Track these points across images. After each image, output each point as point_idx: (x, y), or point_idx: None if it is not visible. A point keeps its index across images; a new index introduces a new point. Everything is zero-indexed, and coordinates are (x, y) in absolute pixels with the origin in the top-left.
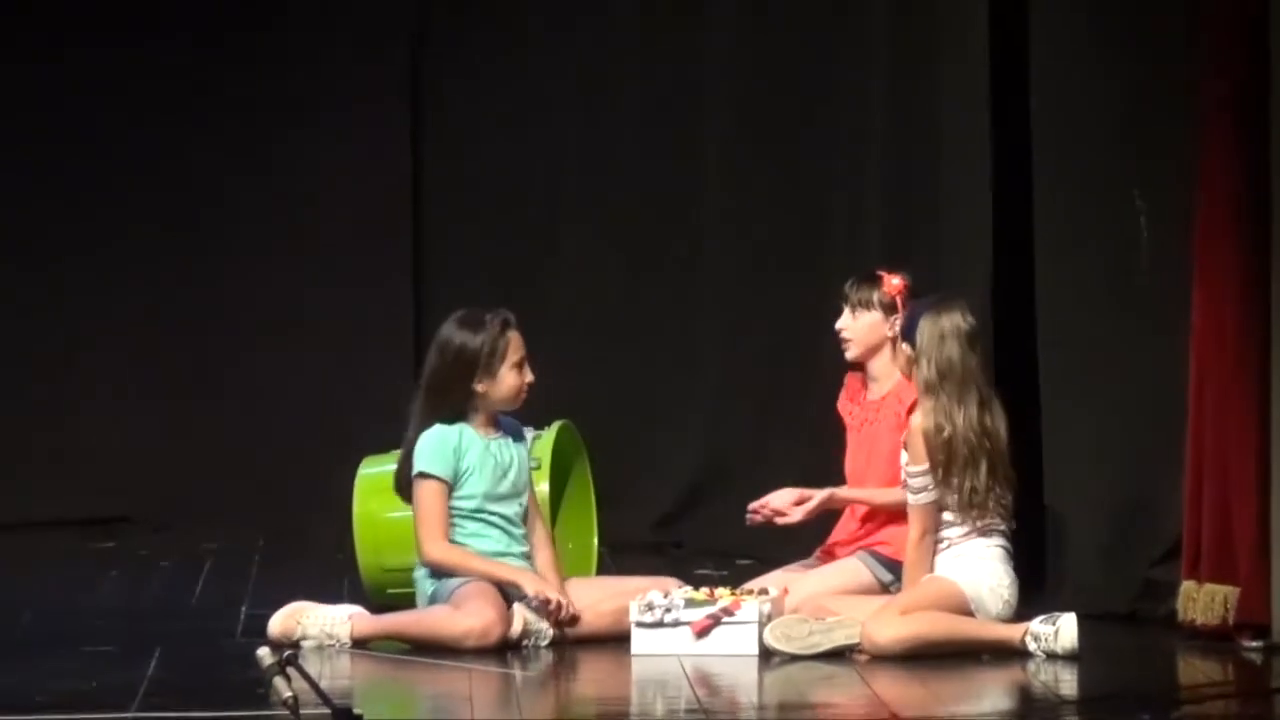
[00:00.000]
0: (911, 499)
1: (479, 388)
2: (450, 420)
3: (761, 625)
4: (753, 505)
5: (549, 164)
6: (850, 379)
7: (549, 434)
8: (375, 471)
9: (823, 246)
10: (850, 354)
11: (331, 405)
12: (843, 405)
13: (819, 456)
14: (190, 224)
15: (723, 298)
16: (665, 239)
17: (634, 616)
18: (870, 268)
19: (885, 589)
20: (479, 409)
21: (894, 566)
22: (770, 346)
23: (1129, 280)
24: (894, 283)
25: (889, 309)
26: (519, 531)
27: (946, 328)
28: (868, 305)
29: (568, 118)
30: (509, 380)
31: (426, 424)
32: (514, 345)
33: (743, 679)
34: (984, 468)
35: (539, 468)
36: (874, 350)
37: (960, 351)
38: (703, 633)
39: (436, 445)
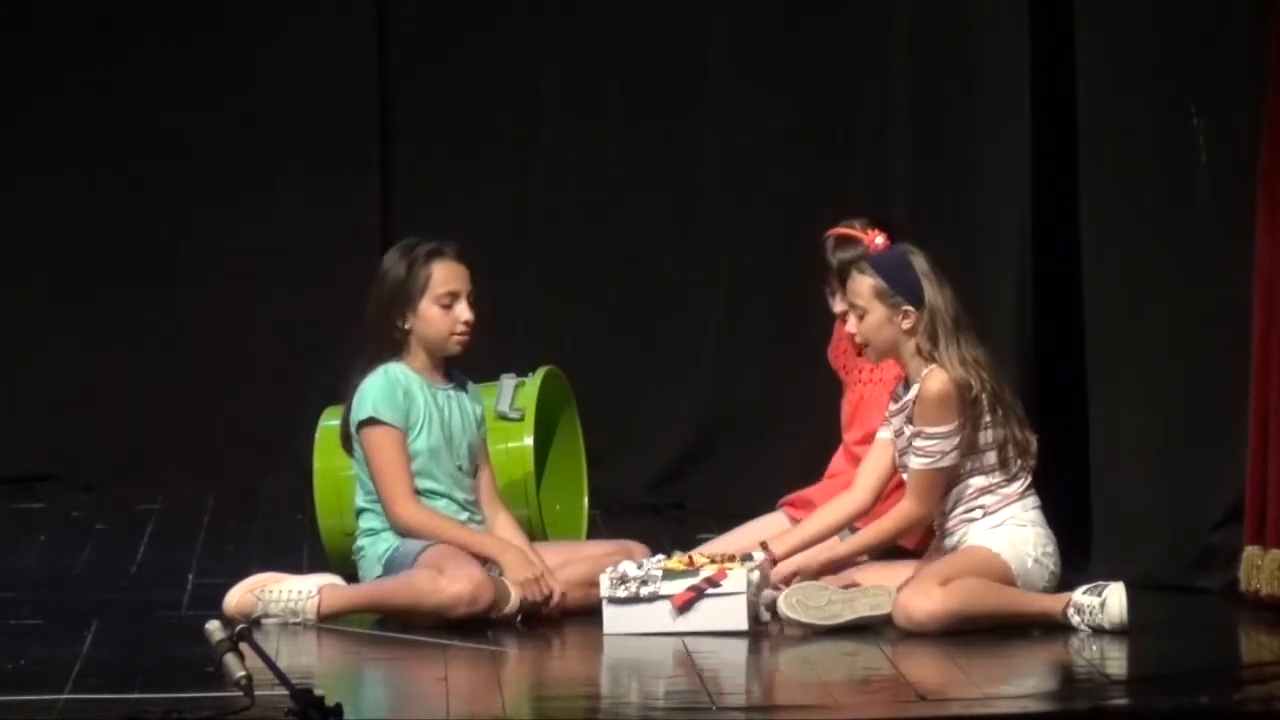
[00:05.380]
0: (925, 463)
1: (407, 325)
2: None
3: (751, 595)
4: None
5: (531, 83)
6: (840, 326)
7: (533, 381)
8: (338, 423)
9: (844, 167)
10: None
11: (289, 348)
12: (835, 357)
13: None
14: (120, 157)
15: (728, 225)
16: (664, 159)
17: (605, 592)
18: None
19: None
20: (415, 352)
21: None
22: (784, 280)
23: (1184, 211)
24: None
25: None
26: (470, 499)
27: (929, 267)
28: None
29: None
30: (432, 316)
31: (369, 366)
32: (440, 277)
33: (732, 658)
34: (1012, 413)
35: (522, 419)
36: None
37: (947, 289)
38: (685, 606)
39: (384, 387)
